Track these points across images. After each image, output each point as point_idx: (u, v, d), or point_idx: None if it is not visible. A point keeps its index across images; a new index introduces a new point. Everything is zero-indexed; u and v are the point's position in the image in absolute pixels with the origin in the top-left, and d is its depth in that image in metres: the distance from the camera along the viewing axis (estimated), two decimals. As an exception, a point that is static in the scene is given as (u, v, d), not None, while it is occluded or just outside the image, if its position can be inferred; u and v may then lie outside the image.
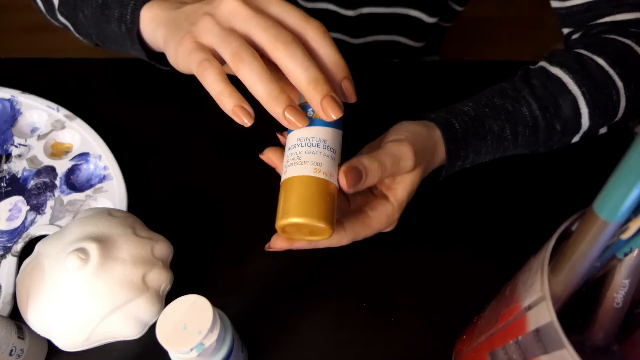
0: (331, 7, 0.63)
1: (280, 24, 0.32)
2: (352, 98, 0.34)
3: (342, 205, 0.39)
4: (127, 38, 0.42)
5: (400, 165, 0.35)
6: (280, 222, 0.32)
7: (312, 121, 0.34)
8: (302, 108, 0.35)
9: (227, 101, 0.32)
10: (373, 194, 0.39)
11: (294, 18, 0.33)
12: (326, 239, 0.34)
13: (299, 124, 0.32)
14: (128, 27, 0.41)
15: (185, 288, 0.38)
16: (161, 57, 0.42)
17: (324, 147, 0.33)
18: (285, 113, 0.31)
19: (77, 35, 0.50)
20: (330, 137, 0.34)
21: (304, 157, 0.32)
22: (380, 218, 0.37)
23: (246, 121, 0.32)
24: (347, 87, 0.33)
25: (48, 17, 0.51)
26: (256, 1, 0.33)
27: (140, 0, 0.40)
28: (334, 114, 0.32)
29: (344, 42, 0.69)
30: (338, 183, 0.34)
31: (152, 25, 0.40)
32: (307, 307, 0.45)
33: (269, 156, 0.36)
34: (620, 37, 0.47)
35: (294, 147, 0.33)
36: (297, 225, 0.32)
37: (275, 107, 0.31)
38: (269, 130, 0.37)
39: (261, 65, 0.31)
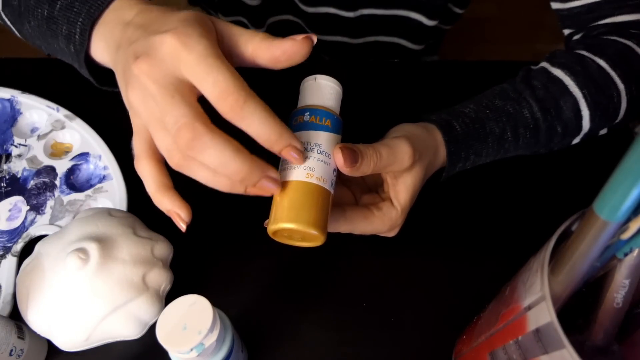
0: (331, 10, 0.63)
1: (228, 72, 0.28)
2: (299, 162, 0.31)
3: (348, 201, 0.39)
4: (75, 59, 0.37)
5: (396, 157, 0.35)
6: (272, 227, 0.32)
7: (308, 125, 0.34)
8: (299, 112, 0.35)
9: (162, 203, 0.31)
10: (380, 197, 0.39)
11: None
12: (318, 245, 0.33)
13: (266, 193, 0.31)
14: (77, 49, 0.35)
15: (185, 288, 0.38)
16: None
17: (319, 151, 0.32)
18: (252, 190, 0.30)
19: (24, 40, 0.43)
20: (325, 142, 0.33)
21: None
22: (383, 219, 0.37)
23: (182, 226, 0.31)
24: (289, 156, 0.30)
25: None
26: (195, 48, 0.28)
27: (88, 19, 0.34)
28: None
29: (344, 43, 0.69)
30: (332, 190, 0.33)
31: (101, 54, 0.35)
32: (307, 307, 0.45)
33: None
34: (621, 38, 0.47)
35: None
36: (289, 230, 0.32)
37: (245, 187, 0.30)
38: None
39: (220, 148, 0.28)
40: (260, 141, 0.29)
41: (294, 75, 0.33)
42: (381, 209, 0.37)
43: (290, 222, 0.31)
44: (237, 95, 0.27)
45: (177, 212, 0.31)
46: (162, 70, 0.28)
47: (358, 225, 0.37)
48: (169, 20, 0.30)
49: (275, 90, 0.41)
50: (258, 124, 0.28)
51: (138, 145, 0.31)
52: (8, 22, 0.42)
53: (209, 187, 0.30)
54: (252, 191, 0.30)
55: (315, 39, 0.31)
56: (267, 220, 0.33)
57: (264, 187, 0.30)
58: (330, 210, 0.34)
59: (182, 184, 0.32)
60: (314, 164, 0.32)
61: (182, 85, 0.28)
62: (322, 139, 0.33)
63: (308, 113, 0.34)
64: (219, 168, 0.28)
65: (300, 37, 0.30)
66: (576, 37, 0.51)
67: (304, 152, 0.31)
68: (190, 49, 0.28)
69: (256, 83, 0.30)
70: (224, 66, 0.28)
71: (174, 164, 0.29)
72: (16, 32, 0.42)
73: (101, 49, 0.35)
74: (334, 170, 0.34)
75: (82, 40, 0.34)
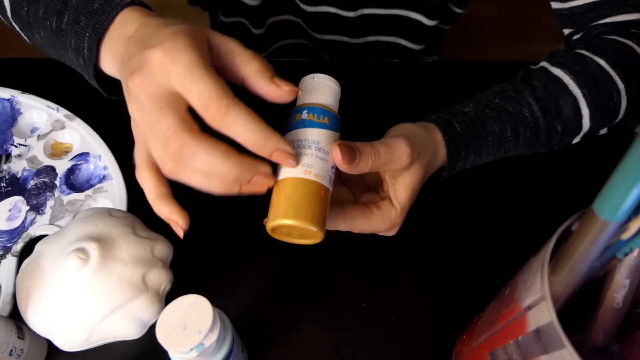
0: (331, 9, 0.63)
1: (212, 82, 0.29)
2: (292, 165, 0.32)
3: (348, 200, 0.39)
4: (84, 72, 0.38)
5: (394, 155, 0.35)
6: (270, 224, 0.32)
7: (305, 123, 0.34)
8: (297, 110, 0.35)
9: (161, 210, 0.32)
10: (380, 196, 0.39)
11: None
12: (317, 242, 0.33)
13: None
14: (86, 62, 0.36)
15: (185, 288, 0.38)
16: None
17: (317, 149, 0.33)
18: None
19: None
20: (323, 139, 0.33)
21: None
22: (383, 217, 0.37)
23: (180, 232, 0.32)
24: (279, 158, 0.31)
25: (0, 16, 0.44)
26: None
27: (94, 34, 0.34)
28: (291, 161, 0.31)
29: (344, 43, 0.69)
30: (331, 187, 0.33)
31: (109, 68, 0.36)
32: (307, 307, 0.45)
33: None
34: (621, 37, 0.47)
35: None
36: (287, 227, 0.32)
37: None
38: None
39: (207, 153, 0.29)
40: (248, 147, 0.30)
41: (293, 76, 0.33)
42: (381, 208, 0.37)
43: (289, 219, 0.31)
44: (219, 104, 0.28)
45: (176, 220, 0.32)
46: (153, 83, 0.29)
47: (357, 224, 0.37)
48: (160, 34, 0.30)
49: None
50: (243, 130, 0.29)
51: (139, 155, 0.32)
52: (17, 29, 0.43)
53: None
54: (247, 189, 0.31)
55: (300, 92, 0.33)
56: (266, 218, 0.33)
57: (257, 183, 0.31)
58: (330, 209, 0.34)
59: (181, 187, 0.32)
60: (312, 161, 0.32)
61: (172, 97, 0.29)
62: (320, 136, 0.33)
63: (306, 111, 0.34)
64: (210, 172, 0.29)
65: (286, 87, 0.32)
66: (576, 36, 0.51)
67: (295, 155, 0.31)
68: (176, 61, 0.29)
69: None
70: (208, 76, 0.29)
71: (167, 171, 0.30)
72: (26, 38, 0.43)
73: (109, 63, 0.36)
74: (332, 167, 0.34)
75: (91, 55, 0.35)
